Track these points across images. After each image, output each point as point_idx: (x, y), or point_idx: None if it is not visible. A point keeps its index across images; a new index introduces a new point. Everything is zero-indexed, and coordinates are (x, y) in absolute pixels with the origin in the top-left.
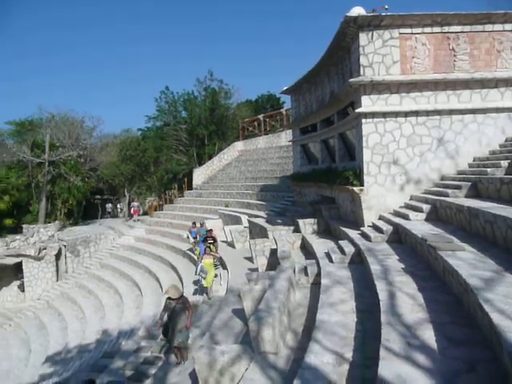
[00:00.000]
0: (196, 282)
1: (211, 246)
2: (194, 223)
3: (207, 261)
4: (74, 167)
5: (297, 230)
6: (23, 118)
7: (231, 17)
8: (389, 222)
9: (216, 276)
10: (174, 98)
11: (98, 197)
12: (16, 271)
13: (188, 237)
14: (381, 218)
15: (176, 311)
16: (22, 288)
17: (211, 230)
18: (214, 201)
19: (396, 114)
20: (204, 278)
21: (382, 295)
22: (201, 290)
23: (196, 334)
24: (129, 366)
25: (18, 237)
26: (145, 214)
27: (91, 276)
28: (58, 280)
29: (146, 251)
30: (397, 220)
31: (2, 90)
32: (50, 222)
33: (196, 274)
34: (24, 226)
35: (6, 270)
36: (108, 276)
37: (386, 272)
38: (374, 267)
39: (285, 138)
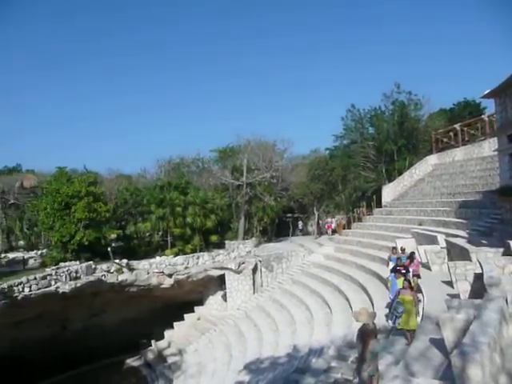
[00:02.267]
0: (388, 316)
1: (412, 279)
2: (395, 248)
3: (405, 297)
4: (268, 188)
5: (507, 252)
6: (224, 145)
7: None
8: None
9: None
10: (360, 115)
11: (289, 215)
12: (220, 282)
13: (388, 264)
14: None
15: (357, 338)
16: (224, 298)
17: (411, 258)
18: (406, 219)
19: None
20: (398, 317)
21: None
22: (396, 329)
23: (389, 361)
24: None
25: (221, 251)
26: (333, 232)
27: (283, 291)
28: (254, 293)
29: (334, 269)
30: None
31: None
32: (247, 239)
33: (391, 310)
34: (226, 241)
35: (212, 281)
36: (299, 292)
37: None
38: None
39: (488, 147)
